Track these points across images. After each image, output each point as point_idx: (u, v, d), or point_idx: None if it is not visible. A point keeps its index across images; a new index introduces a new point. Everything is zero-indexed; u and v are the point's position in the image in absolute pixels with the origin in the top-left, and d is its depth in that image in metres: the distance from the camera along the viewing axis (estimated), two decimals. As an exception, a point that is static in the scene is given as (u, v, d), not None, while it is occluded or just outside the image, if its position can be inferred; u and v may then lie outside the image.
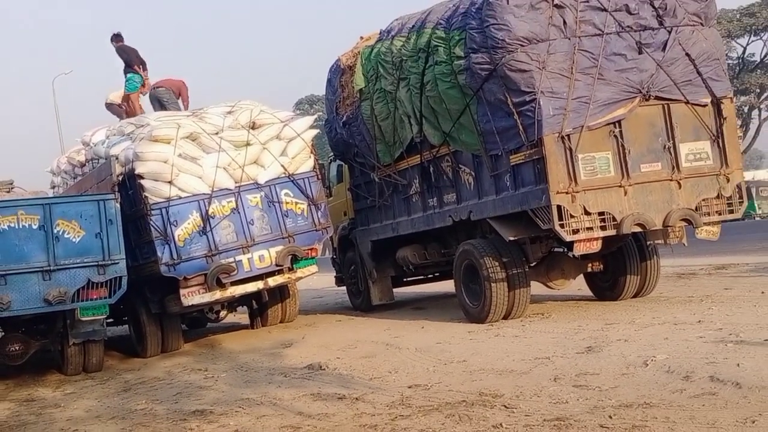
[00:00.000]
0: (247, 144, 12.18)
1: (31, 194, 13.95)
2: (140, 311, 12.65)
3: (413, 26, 11.78)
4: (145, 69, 15.80)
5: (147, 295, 12.56)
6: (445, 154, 11.76)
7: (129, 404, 8.82)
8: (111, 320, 12.72)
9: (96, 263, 10.79)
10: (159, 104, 14.98)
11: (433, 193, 12.24)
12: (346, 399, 7.39)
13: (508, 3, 9.78)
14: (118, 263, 10.89)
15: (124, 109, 15.74)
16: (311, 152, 12.72)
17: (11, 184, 15.17)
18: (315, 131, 13.14)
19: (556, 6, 9.84)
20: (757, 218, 40.25)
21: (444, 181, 11.93)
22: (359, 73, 13.11)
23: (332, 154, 15.47)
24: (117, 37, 15.85)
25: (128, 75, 15.65)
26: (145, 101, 15.90)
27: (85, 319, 10.92)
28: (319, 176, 12.83)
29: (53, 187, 16.29)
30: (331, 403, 7.34)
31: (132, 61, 15.65)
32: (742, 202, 10.44)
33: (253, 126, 12.35)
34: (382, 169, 13.24)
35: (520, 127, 9.94)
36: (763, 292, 10.49)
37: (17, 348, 11.34)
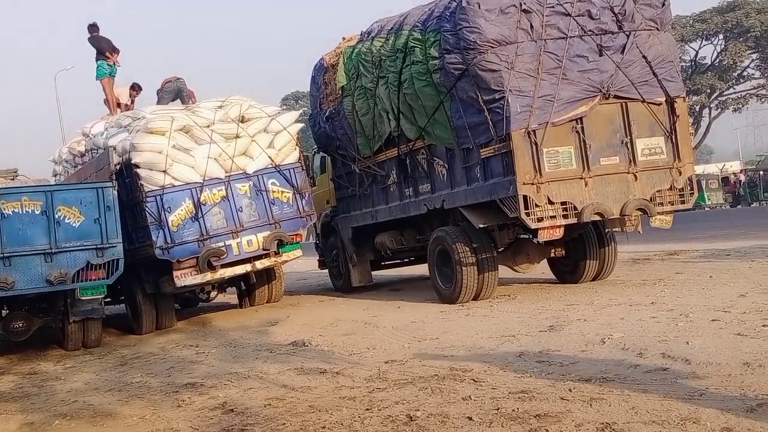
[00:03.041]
0: (237, 136, 12.11)
1: (34, 182, 13.85)
2: (136, 291, 12.59)
3: (392, 28, 11.75)
4: (117, 53, 15.60)
5: (142, 276, 12.50)
6: (421, 147, 11.75)
7: (125, 377, 8.77)
8: (109, 299, 12.64)
9: (95, 246, 10.71)
10: (176, 95, 14.74)
11: (409, 183, 12.23)
12: (327, 373, 7.38)
13: (479, 7, 9.78)
14: (115, 246, 10.82)
15: (107, 101, 15.61)
16: (296, 145, 12.67)
17: (15, 172, 15.05)
18: (300, 125, 13.10)
19: (524, 11, 9.85)
20: (707, 209, 40.52)
21: (419, 172, 11.92)
22: (341, 71, 13.06)
23: (316, 146, 15.41)
24: (92, 27, 15.65)
25: (98, 63, 15.50)
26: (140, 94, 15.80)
27: (84, 299, 10.85)
28: (304, 167, 12.78)
29: (55, 176, 16.15)
30: (313, 376, 7.33)
31: (103, 49, 15.47)
32: (693, 193, 10.51)
33: (243, 120, 12.29)
34: (362, 160, 13.21)
35: (490, 123, 9.95)
36: (711, 276, 10.56)
37: (21, 325, 11.26)
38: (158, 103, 14.34)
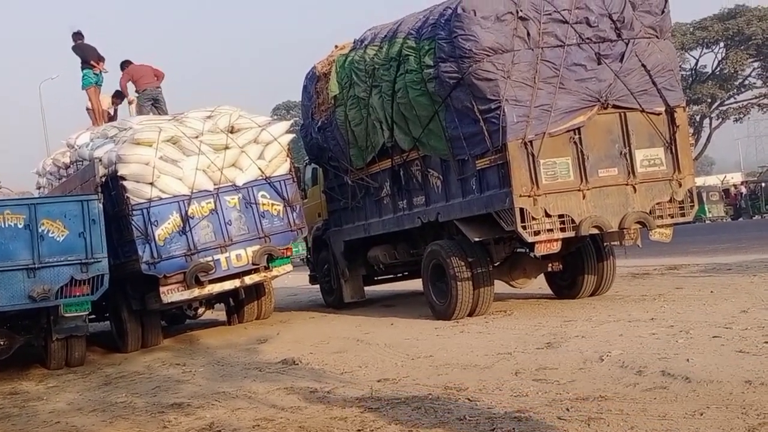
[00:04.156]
0: (226, 147, 12.11)
1: (17, 194, 13.82)
2: (121, 308, 12.54)
3: (385, 36, 11.77)
4: (103, 61, 15.68)
5: (128, 292, 12.44)
6: (415, 159, 11.75)
7: (110, 397, 8.72)
8: (93, 316, 12.56)
9: (79, 261, 10.69)
10: (153, 102, 14.82)
11: (403, 195, 12.22)
12: (318, 392, 7.35)
13: (475, 15, 9.80)
14: (100, 261, 10.80)
15: (90, 110, 15.71)
16: (287, 156, 12.67)
17: (-2, 184, 15.02)
18: (291, 136, 13.09)
19: (521, 18, 9.87)
20: (707, 221, 40.62)
21: (413, 184, 11.91)
22: (334, 80, 13.07)
23: (307, 157, 15.40)
24: (77, 36, 15.75)
25: (83, 72, 15.55)
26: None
27: (68, 315, 10.80)
28: (295, 179, 12.78)
29: (39, 188, 16.11)
30: (303, 396, 7.30)
31: (88, 58, 15.53)
32: (693, 206, 10.52)
33: (232, 130, 12.29)
34: (354, 172, 13.20)
35: (486, 133, 9.95)
36: (712, 292, 10.56)
37: (2, 343, 11.21)
38: (138, 111, 14.42)
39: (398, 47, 11.24)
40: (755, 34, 47.07)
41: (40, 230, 10.55)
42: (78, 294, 10.73)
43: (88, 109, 16.10)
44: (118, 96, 16.03)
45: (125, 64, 15.31)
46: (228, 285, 12.14)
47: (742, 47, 48.36)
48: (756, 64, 50.31)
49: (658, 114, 10.32)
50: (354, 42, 13.00)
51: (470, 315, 10.83)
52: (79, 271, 10.69)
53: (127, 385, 9.41)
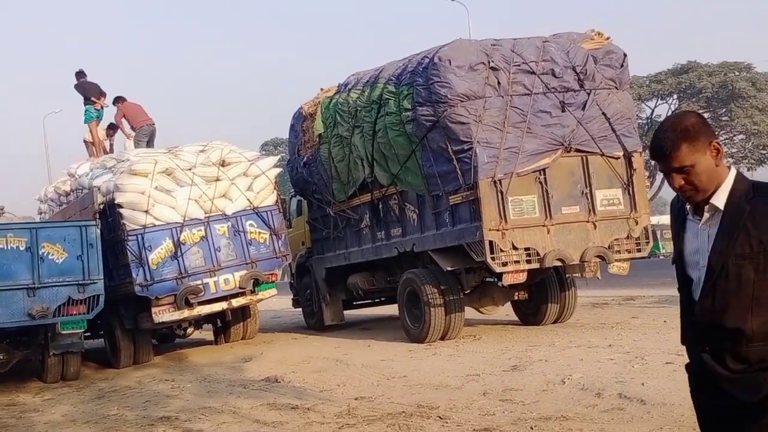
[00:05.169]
0: (217, 179, 12.10)
1: (20, 219, 13.70)
2: (115, 326, 12.41)
3: (367, 81, 11.87)
4: (104, 97, 15.74)
5: (122, 312, 12.32)
6: (393, 193, 11.80)
7: (102, 410, 8.62)
8: (88, 334, 12.42)
9: (77, 282, 10.61)
10: (149, 138, 14.88)
11: (381, 227, 12.25)
12: (298, 409, 7.31)
13: (450, 64, 9.92)
14: (96, 283, 10.72)
15: (90, 143, 15.74)
16: (274, 188, 12.66)
17: (2, 209, 14.89)
18: (278, 170, 13.13)
19: (492, 68, 10.02)
20: (661, 257, 40.92)
21: (391, 216, 11.95)
22: (319, 120, 13.13)
23: (293, 190, 15.42)
24: (79, 74, 15.83)
25: (85, 107, 15.63)
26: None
27: (64, 333, 10.71)
28: (281, 210, 12.77)
29: (40, 214, 15.98)
30: (285, 412, 7.26)
31: (89, 95, 15.59)
32: (649, 242, 10.63)
33: (223, 163, 12.29)
34: (337, 204, 13.22)
35: (459, 172, 10.04)
36: (665, 321, 10.61)
37: (1, 357, 11.05)
38: (136, 145, 14.44)
39: (379, 91, 11.34)
40: (705, 88, 47.78)
41: (40, 252, 10.47)
42: (75, 313, 10.63)
43: (85, 141, 16.11)
44: (112, 128, 16.06)
45: (118, 100, 15.37)
46: (216, 307, 12.07)
47: (693, 99, 48.99)
48: (706, 115, 51.03)
49: (617, 158, 10.46)
50: (338, 86, 13.10)
51: (442, 339, 10.83)
52: (77, 291, 10.60)
53: (119, 399, 9.30)
